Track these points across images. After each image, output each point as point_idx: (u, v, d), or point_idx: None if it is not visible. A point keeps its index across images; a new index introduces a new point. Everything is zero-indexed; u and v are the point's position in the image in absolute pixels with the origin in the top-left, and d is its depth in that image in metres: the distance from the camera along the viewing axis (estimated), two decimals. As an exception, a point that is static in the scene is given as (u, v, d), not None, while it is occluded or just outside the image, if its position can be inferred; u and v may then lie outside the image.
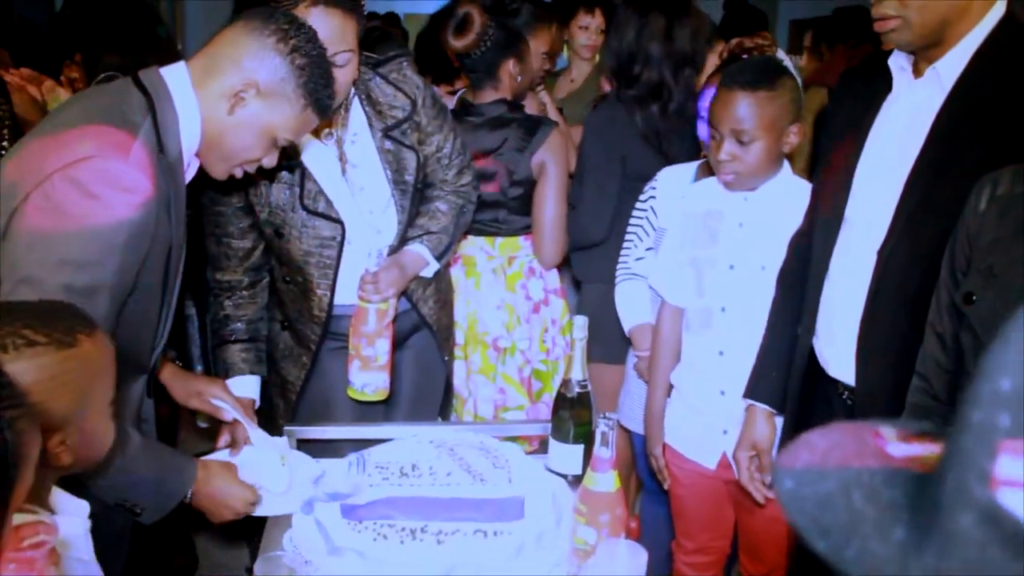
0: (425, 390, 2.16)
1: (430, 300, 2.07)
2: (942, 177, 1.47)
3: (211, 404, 1.73)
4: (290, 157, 1.80)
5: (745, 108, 1.76)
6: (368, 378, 1.85)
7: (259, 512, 1.59)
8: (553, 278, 2.47)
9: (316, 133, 1.84)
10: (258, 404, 1.92)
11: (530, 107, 2.59)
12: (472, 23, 2.27)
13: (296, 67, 1.43)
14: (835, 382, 1.68)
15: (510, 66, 2.35)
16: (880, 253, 1.55)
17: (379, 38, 3.07)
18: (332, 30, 1.67)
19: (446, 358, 2.17)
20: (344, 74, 1.73)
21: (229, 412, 1.71)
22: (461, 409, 2.44)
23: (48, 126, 1.39)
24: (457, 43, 2.28)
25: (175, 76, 1.43)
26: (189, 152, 1.46)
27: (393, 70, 1.94)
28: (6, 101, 2.11)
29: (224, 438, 1.80)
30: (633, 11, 2.36)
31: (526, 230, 2.41)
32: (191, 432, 2.95)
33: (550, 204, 2.34)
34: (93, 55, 2.17)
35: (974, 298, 1.27)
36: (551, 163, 2.31)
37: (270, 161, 1.53)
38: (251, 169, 1.54)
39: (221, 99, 1.42)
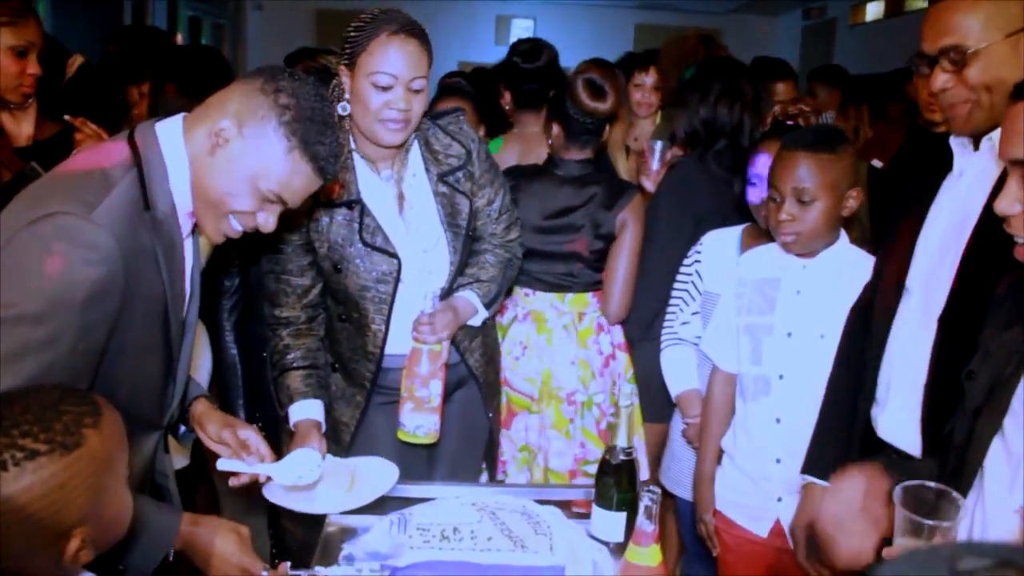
0: (469, 445, 2.16)
1: (476, 352, 2.09)
2: (999, 245, 1.44)
3: (240, 437, 1.65)
4: (350, 194, 1.89)
5: (808, 168, 1.80)
6: (421, 420, 1.87)
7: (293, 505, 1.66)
8: (618, 333, 2.50)
9: (376, 169, 1.93)
10: (324, 428, 1.92)
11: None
12: (608, 87, 2.40)
13: (279, 105, 1.37)
14: (887, 447, 1.65)
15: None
16: (940, 321, 1.54)
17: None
18: (411, 56, 1.81)
19: (491, 414, 2.17)
20: (418, 101, 1.84)
21: (254, 442, 1.65)
22: (532, 462, 2.44)
23: (36, 184, 1.39)
24: (601, 106, 2.38)
25: (168, 128, 1.42)
26: (183, 206, 1.42)
27: (451, 122, 2.04)
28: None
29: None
30: (695, 87, 2.53)
31: (595, 286, 2.47)
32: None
33: (624, 260, 2.42)
34: (158, 84, 2.27)
35: (973, 374, 1.35)
36: (632, 222, 2.41)
37: (265, 220, 1.46)
38: (247, 226, 1.46)
39: (204, 140, 1.39)
